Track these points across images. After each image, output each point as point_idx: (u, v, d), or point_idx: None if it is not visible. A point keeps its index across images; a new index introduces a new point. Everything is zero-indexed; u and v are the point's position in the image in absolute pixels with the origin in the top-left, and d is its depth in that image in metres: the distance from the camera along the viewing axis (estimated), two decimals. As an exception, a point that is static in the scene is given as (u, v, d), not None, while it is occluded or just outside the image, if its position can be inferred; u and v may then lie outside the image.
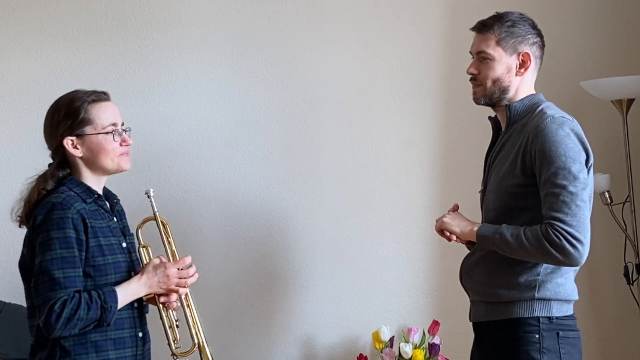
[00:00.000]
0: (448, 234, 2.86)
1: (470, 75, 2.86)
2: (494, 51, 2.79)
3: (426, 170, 3.93)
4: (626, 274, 3.82)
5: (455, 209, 2.92)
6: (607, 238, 3.89)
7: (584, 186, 2.65)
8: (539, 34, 2.84)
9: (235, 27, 3.89)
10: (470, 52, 2.88)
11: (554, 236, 2.60)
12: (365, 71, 3.92)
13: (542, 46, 2.85)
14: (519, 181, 2.71)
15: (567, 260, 2.63)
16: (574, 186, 2.63)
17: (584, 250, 2.63)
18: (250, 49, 3.89)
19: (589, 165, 2.71)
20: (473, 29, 2.86)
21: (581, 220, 2.63)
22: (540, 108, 2.77)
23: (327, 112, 3.91)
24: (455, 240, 2.88)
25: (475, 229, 2.76)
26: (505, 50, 2.79)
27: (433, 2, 3.93)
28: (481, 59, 2.82)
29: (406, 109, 3.93)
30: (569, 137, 2.66)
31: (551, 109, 2.76)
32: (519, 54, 2.79)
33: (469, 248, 2.97)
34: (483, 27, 2.82)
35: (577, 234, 2.61)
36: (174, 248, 2.85)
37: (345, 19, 3.91)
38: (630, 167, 3.81)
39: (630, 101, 3.77)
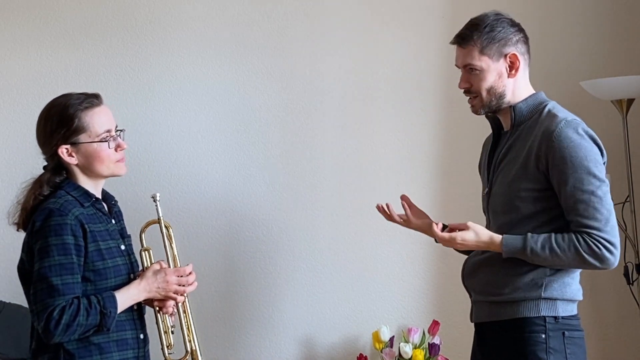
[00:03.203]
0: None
1: (463, 90, 2.81)
2: (480, 61, 2.73)
3: (426, 170, 3.92)
4: (626, 274, 3.82)
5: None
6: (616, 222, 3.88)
7: (608, 188, 2.65)
8: (519, 29, 2.78)
9: (235, 27, 3.89)
10: (456, 66, 2.83)
11: (593, 246, 2.60)
12: (366, 71, 3.92)
13: (526, 40, 2.79)
14: (532, 185, 2.68)
15: (604, 265, 2.63)
16: (601, 190, 2.63)
17: (618, 254, 2.64)
18: (250, 49, 3.88)
19: (604, 160, 2.71)
20: (453, 42, 2.81)
21: (613, 224, 2.64)
22: (547, 109, 2.74)
23: (327, 112, 3.91)
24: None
25: (498, 240, 2.69)
26: (491, 57, 2.73)
27: (433, 2, 3.92)
28: (469, 71, 2.76)
29: (406, 109, 3.92)
30: (585, 139, 2.65)
31: (559, 111, 2.73)
32: (505, 57, 2.74)
33: (460, 251, 2.96)
34: (463, 40, 2.77)
35: (612, 239, 2.62)
36: (175, 253, 2.85)
37: (345, 19, 3.91)
38: (630, 167, 3.81)
39: (630, 101, 3.76)
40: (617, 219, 3.76)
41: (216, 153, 3.87)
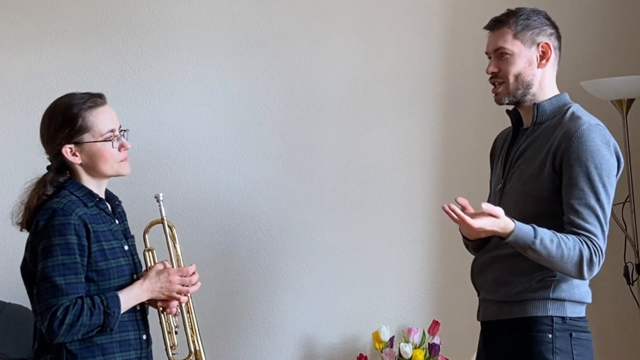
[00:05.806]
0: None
1: (491, 75, 2.77)
2: (513, 45, 2.72)
3: (426, 169, 3.93)
4: (626, 274, 3.81)
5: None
6: (607, 238, 3.88)
7: (611, 204, 2.65)
8: (554, 26, 2.80)
9: (235, 27, 3.89)
10: (486, 53, 2.80)
11: (593, 255, 2.59)
12: (366, 71, 3.92)
13: (559, 37, 2.80)
14: (547, 185, 2.66)
15: (588, 275, 2.63)
16: (608, 204, 2.62)
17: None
18: (250, 49, 3.89)
19: (619, 174, 2.70)
20: (487, 27, 2.79)
21: (605, 240, 2.63)
22: (570, 111, 2.72)
23: (327, 111, 3.91)
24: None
25: (511, 226, 2.55)
26: (524, 43, 2.72)
27: (433, 2, 3.92)
28: (500, 55, 2.74)
29: (406, 109, 3.93)
30: (606, 148, 2.64)
31: (583, 114, 2.72)
32: (538, 45, 2.73)
33: (467, 244, 2.87)
34: (498, 23, 2.75)
35: (603, 252, 2.61)
36: (179, 253, 2.85)
37: (346, 18, 3.91)
38: (630, 167, 3.81)
39: (630, 101, 3.76)
40: (617, 219, 3.80)
41: (217, 153, 3.87)
